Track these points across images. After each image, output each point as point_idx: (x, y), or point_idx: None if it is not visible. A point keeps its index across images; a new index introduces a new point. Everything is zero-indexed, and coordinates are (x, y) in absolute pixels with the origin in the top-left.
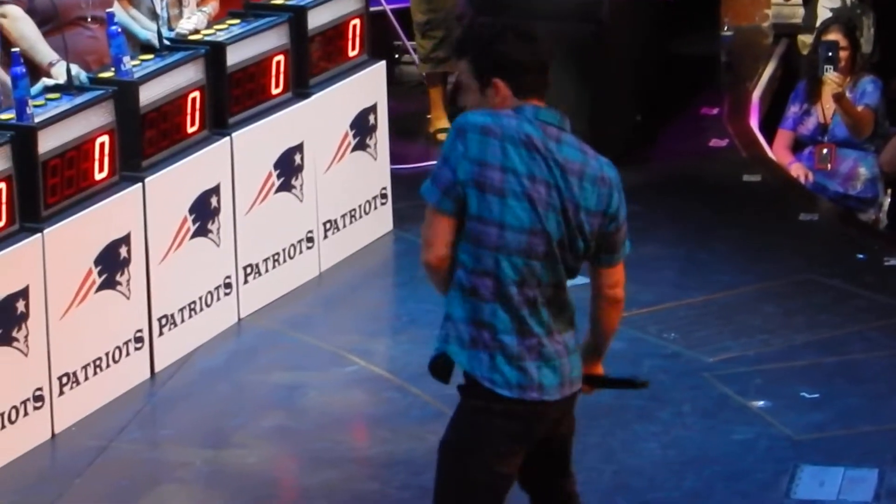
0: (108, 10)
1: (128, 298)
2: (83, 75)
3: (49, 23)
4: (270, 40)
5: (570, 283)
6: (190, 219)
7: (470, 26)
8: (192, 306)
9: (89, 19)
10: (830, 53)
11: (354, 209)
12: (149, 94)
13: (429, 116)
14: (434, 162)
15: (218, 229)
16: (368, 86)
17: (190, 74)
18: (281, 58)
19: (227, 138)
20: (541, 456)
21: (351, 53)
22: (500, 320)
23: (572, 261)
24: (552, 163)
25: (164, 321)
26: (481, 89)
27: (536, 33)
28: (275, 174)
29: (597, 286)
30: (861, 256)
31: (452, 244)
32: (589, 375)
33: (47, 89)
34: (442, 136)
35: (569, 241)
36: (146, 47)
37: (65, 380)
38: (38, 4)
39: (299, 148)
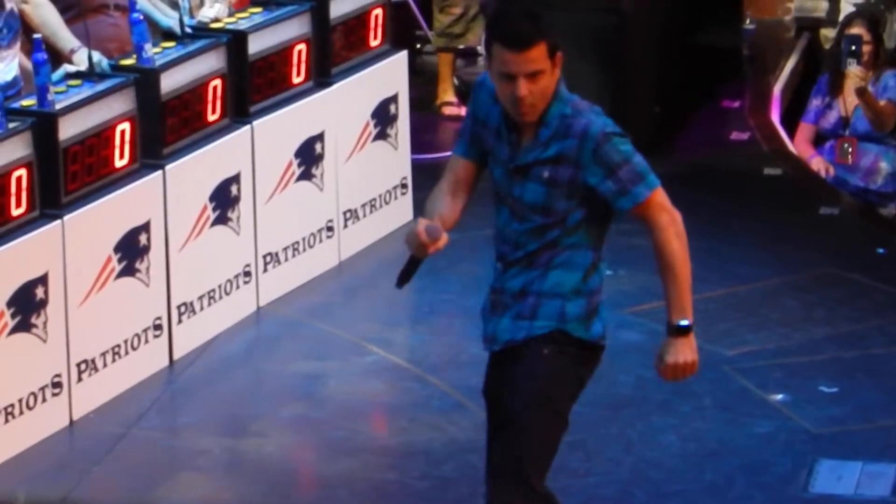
0: None
1: (147, 286)
2: (104, 62)
3: (71, 10)
4: (292, 29)
5: None
6: (210, 207)
7: (508, 13)
8: (212, 294)
9: (112, 7)
10: (854, 47)
11: (375, 199)
12: (170, 82)
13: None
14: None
15: (238, 217)
16: (390, 75)
17: (211, 62)
18: (303, 47)
19: (248, 127)
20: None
21: (373, 43)
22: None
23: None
24: None
25: (183, 309)
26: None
27: (538, 13)
28: (295, 163)
29: None
30: (881, 251)
31: None
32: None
33: (69, 76)
34: (447, 109)
35: None
36: (168, 35)
37: (83, 366)
38: None
39: (320, 137)
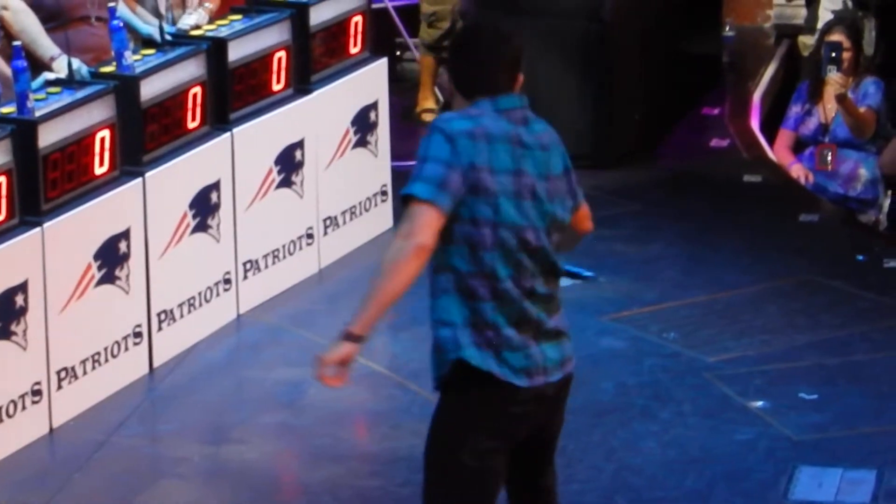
0: (111, 4)
1: (127, 293)
2: (84, 69)
3: (53, 20)
4: (272, 36)
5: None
6: (190, 214)
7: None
8: (192, 302)
9: (94, 19)
10: (834, 54)
11: (355, 206)
12: (150, 89)
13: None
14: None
15: (218, 225)
16: (370, 83)
17: (191, 70)
18: (282, 54)
19: (228, 134)
20: (527, 450)
21: (353, 50)
22: (501, 316)
23: (562, 229)
24: (533, 148)
25: (163, 316)
26: (452, 91)
27: (506, 33)
28: (275, 170)
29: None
30: (861, 258)
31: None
32: None
33: (48, 83)
34: (427, 116)
35: (553, 221)
36: (148, 42)
37: (63, 374)
38: (44, 1)
39: (300, 144)
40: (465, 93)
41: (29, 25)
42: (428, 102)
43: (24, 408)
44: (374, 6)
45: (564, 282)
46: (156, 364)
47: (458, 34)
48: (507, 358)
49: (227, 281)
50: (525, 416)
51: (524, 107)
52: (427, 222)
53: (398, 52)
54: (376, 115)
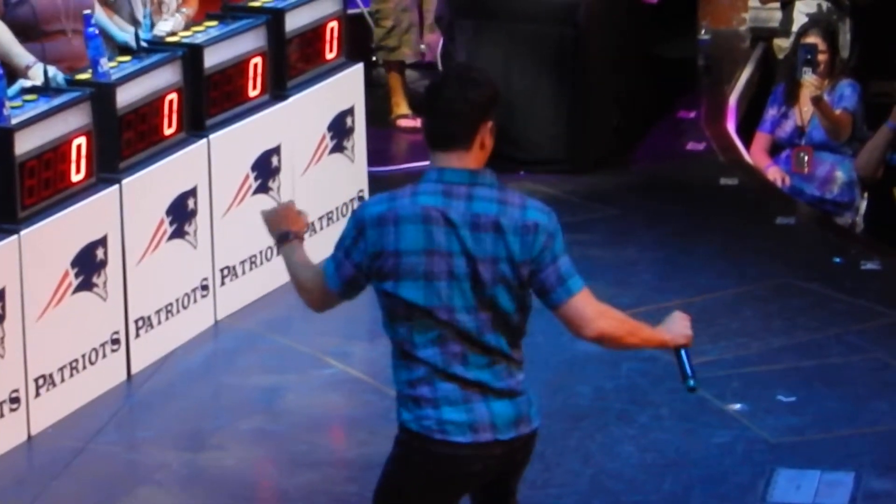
0: (86, 11)
1: (104, 300)
2: (60, 77)
3: (29, 34)
4: (248, 42)
5: None
6: (167, 221)
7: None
8: (169, 308)
9: (70, 32)
10: (809, 56)
11: (332, 211)
12: (126, 96)
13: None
14: (411, 164)
15: (195, 231)
16: (346, 88)
17: (167, 76)
18: (258, 60)
19: (205, 140)
20: (486, 494)
21: (328, 56)
22: (435, 375)
23: (506, 315)
24: (459, 227)
25: (140, 323)
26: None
27: (473, 79)
28: (252, 176)
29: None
30: (838, 260)
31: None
32: None
33: (24, 91)
34: (402, 122)
35: (486, 301)
36: (124, 49)
37: (41, 381)
38: (18, 16)
39: (276, 150)
40: (428, 144)
41: (1, 34)
42: (401, 108)
43: (1, 415)
44: (350, 12)
45: None
46: (134, 371)
47: (427, 85)
48: (445, 412)
49: (205, 287)
50: (468, 473)
51: (474, 183)
52: (322, 292)
53: (374, 58)
54: (353, 121)
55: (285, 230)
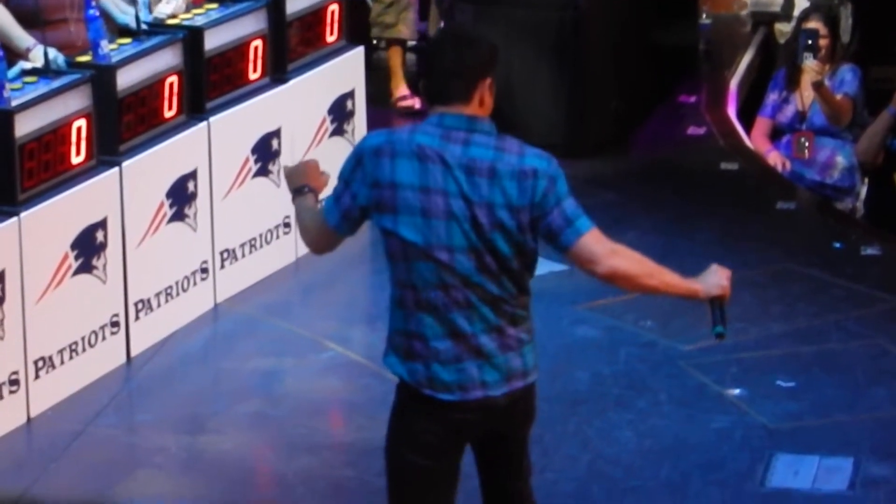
0: None
1: (104, 283)
2: (60, 59)
3: (32, 23)
4: (248, 25)
5: (549, 270)
6: (167, 203)
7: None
8: (169, 291)
9: (72, 22)
10: (810, 41)
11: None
12: (126, 79)
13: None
14: None
15: (195, 214)
16: (346, 71)
17: (168, 59)
18: (259, 43)
19: (205, 123)
20: (490, 453)
21: (329, 39)
22: (428, 328)
23: (506, 259)
24: (454, 169)
25: (140, 306)
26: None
27: (470, 38)
28: (252, 159)
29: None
30: (838, 245)
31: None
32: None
33: (25, 73)
34: (401, 103)
35: (484, 244)
36: (124, 31)
37: (41, 364)
38: (22, 4)
39: (277, 133)
40: (427, 101)
41: (2, 17)
42: (401, 90)
43: (1, 397)
44: None
45: (538, 269)
46: (133, 354)
47: (427, 42)
48: (436, 371)
49: (205, 270)
50: (460, 427)
51: (472, 130)
52: (320, 230)
53: (374, 41)
54: (353, 104)
55: (304, 184)
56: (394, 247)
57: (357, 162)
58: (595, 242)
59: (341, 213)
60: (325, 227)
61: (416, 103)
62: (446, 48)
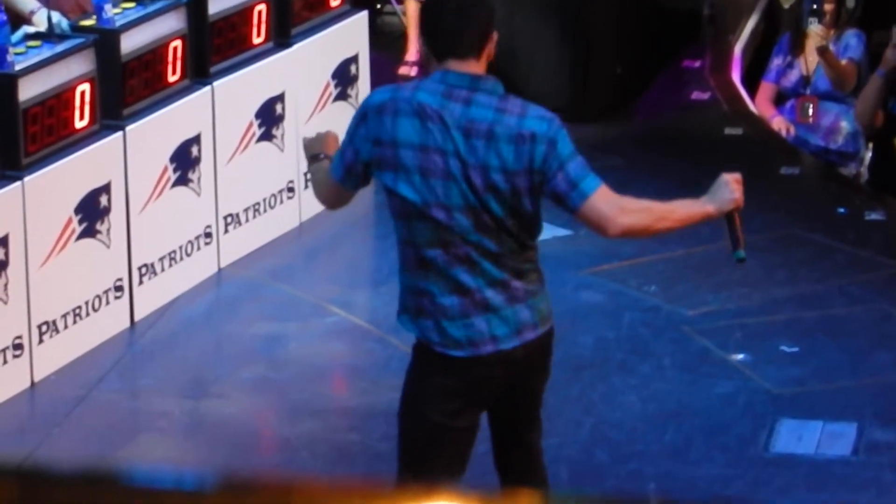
0: None
1: (108, 247)
2: (64, 23)
3: None
4: None
5: (553, 235)
6: (171, 168)
7: None
8: (173, 255)
9: None
10: (815, 6)
11: None
12: (130, 43)
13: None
14: None
15: (199, 178)
16: (350, 36)
17: (171, 23)
18: (262, 7)
19: (209, 87)
20: (506, 405)
21: (333, 3)
22: (433, 284)
23: (502, 219)
24: (452, 129)
25: (144, 270)
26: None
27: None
28: (256, 124)
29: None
30: (842, 211)
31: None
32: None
33: (28, 37)
34: (402, 70)
35: (480, 204)
36: None
37: (44, 328)
38: None
39: (280, 98)
40: (432, 55)
41: None
42: (410, 53)
43: (4, 362)
44: None
45: (543, 234)
46: (136, 318)
47: (423, 8)
48: (445, 327)
49: (208, 235)
50: (478, 383)
51: (475, 88)
52: (329, 186)
53: (378, 6)
54: (357, 69)
55: (320, 152)
56: (395, 206)
57: (361, 118)
58: (602, 203)
59: (345, 168)
60: (332, 181)
61: (413, 71)
62: (448, 15)
